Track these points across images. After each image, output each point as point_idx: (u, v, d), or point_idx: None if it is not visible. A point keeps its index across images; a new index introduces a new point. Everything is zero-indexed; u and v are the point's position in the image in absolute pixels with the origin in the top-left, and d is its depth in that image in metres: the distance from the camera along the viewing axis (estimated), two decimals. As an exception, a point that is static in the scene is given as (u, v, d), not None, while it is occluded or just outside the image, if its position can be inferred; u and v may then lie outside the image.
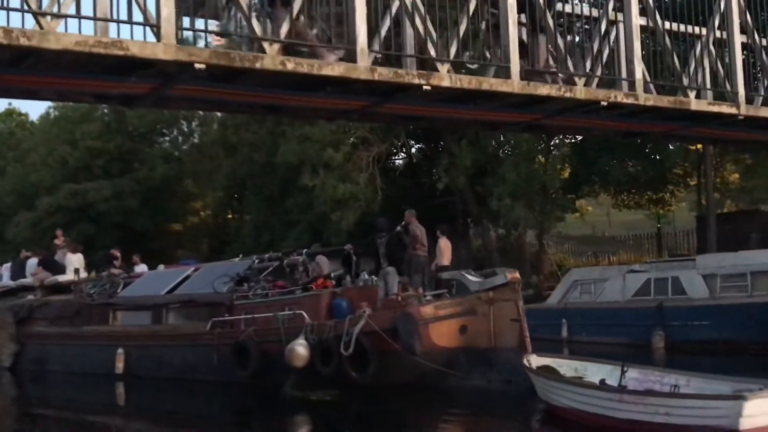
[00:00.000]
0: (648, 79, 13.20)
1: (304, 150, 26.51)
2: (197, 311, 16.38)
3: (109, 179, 37.22)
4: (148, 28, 9.17)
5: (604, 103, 12.48)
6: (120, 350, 16.94)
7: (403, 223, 15.59)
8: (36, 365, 19.04)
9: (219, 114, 35.80)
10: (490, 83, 11.28)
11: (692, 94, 13.52)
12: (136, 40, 9.10)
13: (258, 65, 9.70)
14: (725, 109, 13.92)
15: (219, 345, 15.02)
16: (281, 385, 13.42)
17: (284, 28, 9.91)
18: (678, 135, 16.92)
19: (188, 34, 10.29)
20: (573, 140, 27.53)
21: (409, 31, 10.96)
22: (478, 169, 25.75)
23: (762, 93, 14.43)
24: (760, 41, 14.45)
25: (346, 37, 10.51)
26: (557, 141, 27.58)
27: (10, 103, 51.11)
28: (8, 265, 23.34)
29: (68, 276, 20.62)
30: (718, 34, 13.94)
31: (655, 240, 32.17)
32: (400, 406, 12.52)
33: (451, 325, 13.19)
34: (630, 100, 12.75)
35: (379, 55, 10.92)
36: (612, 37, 12.74)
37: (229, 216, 40.50)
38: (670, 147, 26.66)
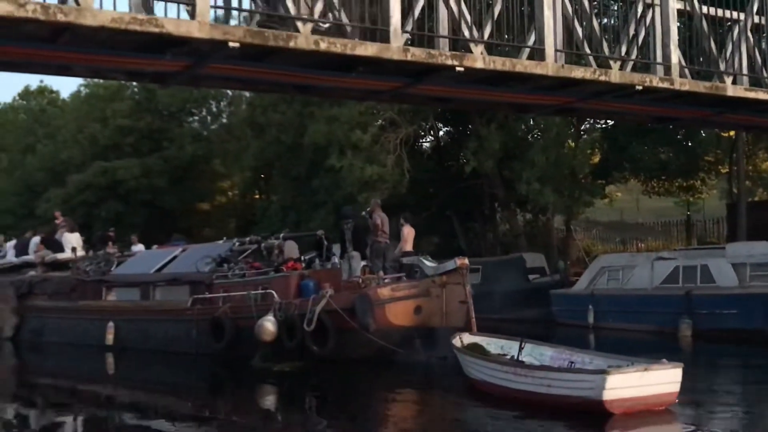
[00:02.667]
0: (684, 63, 13.05)
1: (332, 131, 26.44)
2: (181, 289, 17.45)
3: (138, 157, 37.43)
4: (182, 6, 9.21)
5: (639, 88, 12.39)
6: (111, 323, 18.05)
7: (368, 209, 16.66)
8: (34, 336, 20.24)
9: (247, 94, 35.89)
10: (524, 65, 11.22)
11: (728, 80, 13.35)
12: (171, 17, 9.14)
13: (291, 44, 9.72)
14: (762, 95, 13.74)
15: (198, 320, 16.14)
16: (252, 357, 14.61)
17: (318, 7, 9.90)
18: (712, 121, 16.74)
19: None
20: (604, 125, 27.23)
21: (442, 12, 10.91)
22: (507, 153, 25.52)
23: (799, 80, 14.20)
24: (799, 27, 14.21)
25: (379, 17, 10.48)
26: (587, 126, 27.27)
27: (41, 81, 51.55)
28: (13, 242, 24.58)
29: (66, 254, 21.83)
30: (756, 19, 13.73)
31: (684, 227, 31.86)
32: (354, 377, 13.60)
33: (406, 306, 14.30)
34: (665, 85, 12.63)
35: (409, 37, 10.87)
36: (648, 20, 12.59)
37: (257, 196, 40.62)
38: (702, 134, 26.32)
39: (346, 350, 14.04)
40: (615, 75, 12.13)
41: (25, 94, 51.07)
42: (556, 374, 9.97)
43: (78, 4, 8.46)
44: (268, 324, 14.41)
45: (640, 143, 25.56)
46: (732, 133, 25.28)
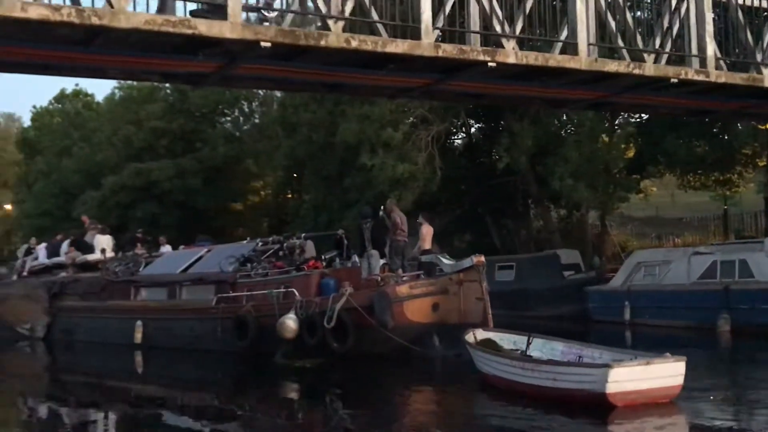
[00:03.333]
0: (719, 55, 12.84)
1: (363, 129, 26.43)
2: (206, 288, 17.95)
3: (172, 159, 37.79)
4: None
5: (675, 80, 12.22)
6: (139, 322, 18.62)
7: (385, 209, 16.92)
8: (66, 335, 20.87)
9: (279, 94, 36.04)
10: (557, 60, 11.12)
11: (766, 71, 13.12)
12: (203, 18, 9.18)
13: (323, 43, 9.72)
14: (800, 86, 13.45)
15: (222, 318, 16.59)
16: (275, 353, 15.09)
17: (349, 6, 9.89)
18: (749, 113, 16.46)
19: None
20: (638, 119, 26.90)
21: (473, 8, 10.84)
22: (540, 149, 25.32)
23: (839, 69, 13.87)
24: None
25: (409, 14, 10.44)
26: (621, 120, 26.95)
27: (76, 84, 52.25)
28: (44, 245, 25.19)
29: (96, 255, 22.49)
30: (794, 8, 13.46)
31: (721, 222, 31.38)
32: (373, 373, 13.99)
33: (424, 303, 14.64)
34: (701, 77, 12.43)
35: (439, 33, 10.83)
36: (682, 12, 12.41)
37: (289, 196, 40.81)
38: (739, 126, 25.87)
39: (366, 347, 14.38)
40: (649, 68, 11.97)
41: (61, 97, 51.81)
42: (561, 368, 10.22)
43: (112, 6, 8.53)
44: (290, 322, 14.81)
45: (676, 137, 25.22)
46: (769, 125, 24.84)
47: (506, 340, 12.25)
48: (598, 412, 9.39)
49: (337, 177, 30.69)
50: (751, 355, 15.38)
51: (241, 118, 42.35)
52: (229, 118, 42.39)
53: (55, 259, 23.51)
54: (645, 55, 12.01)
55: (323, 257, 17.66)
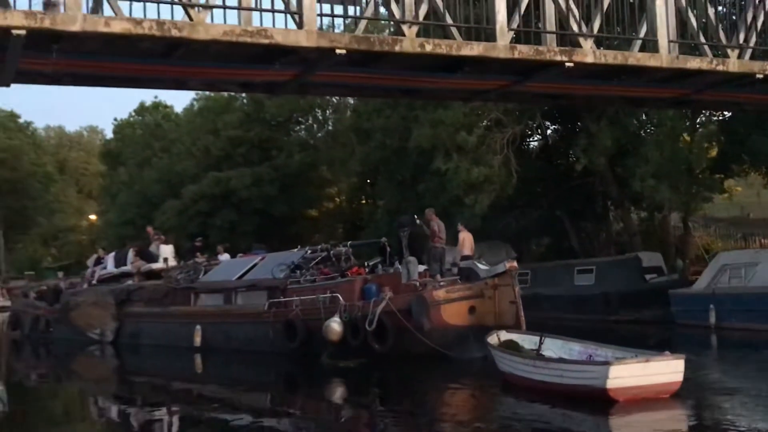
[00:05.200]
0: (808, 47, 12.37)
1: (437, 134, 26.31)
2: (259, 294, 19.01)
3: (249, 167, 38.42)
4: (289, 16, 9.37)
5: (760, 76, 11.83)
6: (198, 327, 19.67)
7: (423, 218, 17.71)
8: (132, 339, 22.13)
9: (352, 101, 36.26)
10: (637, 58, 10.89)
11: None
12: (279, 28, 9.31)
13: (397, 48, 9.74)
14: None
15: (274, 322, 17.60)
16: (321, 354, 15.96)
17: (422, 10, 9.88)
18: (841, 108, 15.82)
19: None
20: (721, 117, 26.09)
21: (549, 8, 10.69)
22: (619, 149, 24.78)
23: None
24: None
25: (484, 16, 10.38)
26: (703, 118, 26.17)
27: (155, 96, 53.72)
28: (112, 254, 26.56)
29: (159, 264, 23.85)
30: None
31: (810, 221, 30.18)
32: (411, 372, 14.64)
33: (461, 306, 15.39)
34: (788, 72, 11.99)
35: (514, 34, 10.73)
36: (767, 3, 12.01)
37: (363, 201, 41.00)
38: (829, 122, 24.82)
39: (405, 348, 15.17)
40: (733, 64, 11.63)
41: (141, 109, 53.34)
42: (567, 366, 10.92)
43: (191, 19, 8.72)
44: (335, 325, 15.74)
45: (761, 134, 24.33)
46: None
47: (527, 340, 12.90)
48: (601, 406, 10.02)
49: (411, 182, 30.66)
50: None
51: (315, 126, 42.77)
52: (303, 126, 42.87)
53: (122, 268, 24.72)
54: (728, 51, 11.65)
55: (366, 264, 18.51)
